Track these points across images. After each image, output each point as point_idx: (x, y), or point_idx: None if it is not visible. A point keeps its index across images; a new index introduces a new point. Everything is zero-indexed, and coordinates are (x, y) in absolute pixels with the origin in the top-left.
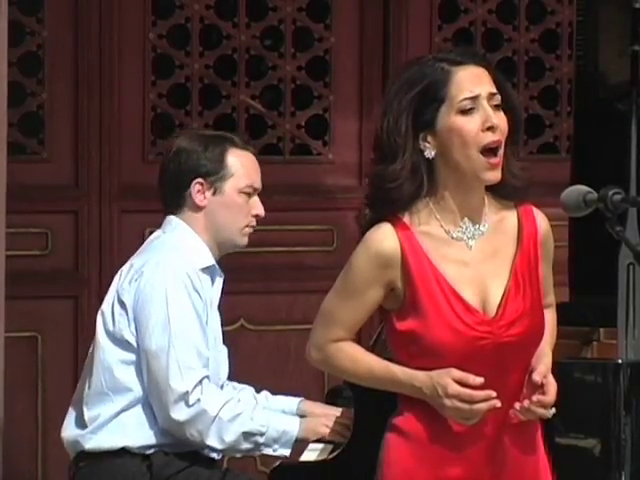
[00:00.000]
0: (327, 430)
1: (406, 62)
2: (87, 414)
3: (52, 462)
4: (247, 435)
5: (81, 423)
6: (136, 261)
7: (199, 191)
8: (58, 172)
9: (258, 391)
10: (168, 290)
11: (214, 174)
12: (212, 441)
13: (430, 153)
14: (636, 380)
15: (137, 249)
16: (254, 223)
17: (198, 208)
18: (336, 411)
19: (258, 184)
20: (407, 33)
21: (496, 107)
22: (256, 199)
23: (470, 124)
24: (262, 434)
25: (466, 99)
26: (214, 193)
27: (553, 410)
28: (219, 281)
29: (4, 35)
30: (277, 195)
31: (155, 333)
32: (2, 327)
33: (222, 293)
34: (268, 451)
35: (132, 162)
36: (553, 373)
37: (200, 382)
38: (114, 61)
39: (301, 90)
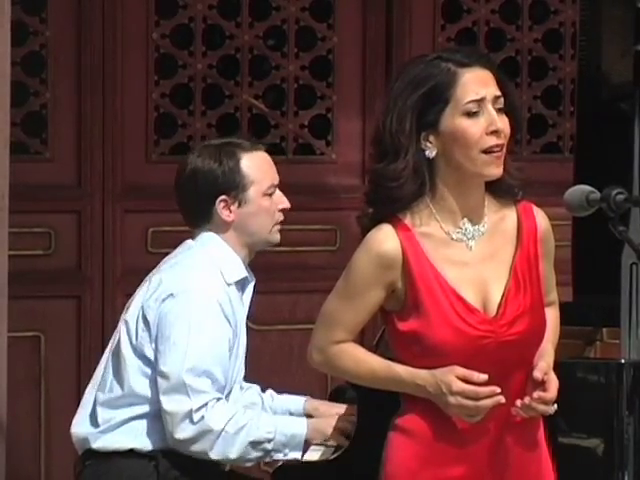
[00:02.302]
0: (332, 431)
1: (411, 59)
2: (102, 415)
3: (55, 461)
4: (255, 444)
5: (94, 422)
6: (165, 276)
7: (225, 207)
8: (61, 172)
9: (263, 390)
10: (192, 321)
11: (235, 188)
12: (219, 456)
13: (431, 153)
14: (639, 380)
15: (140, 249)
16: (282, 217)
17: (227, 223)
18: (340, 408)
19: (277, 180)
20: (410, 33)
21: (499, 110)
22: (279, 194)
23: (474, 127)
24: (270, 440)
25: (471, 102)
26: (240, 205)
27: (555, 407)
28: (249, 289)
29: (7, 35)
30: None
31: (171, 356)
32: (5, 327)
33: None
34: (279, 456)
35: (135, 162)
36: (556, 373)
37: (206, 403)
38: (117, 61)
39: (304, 90)
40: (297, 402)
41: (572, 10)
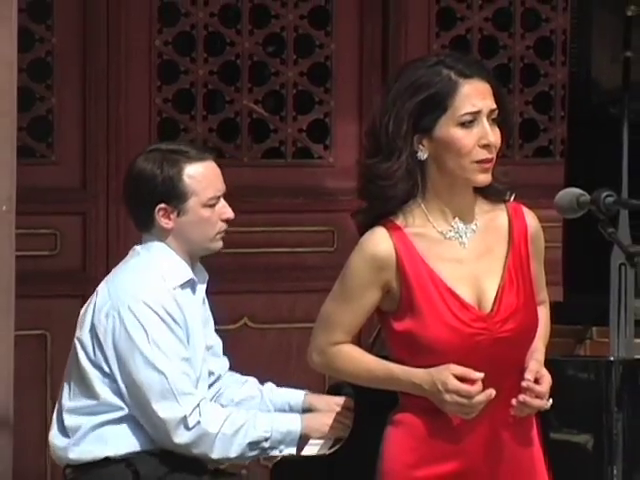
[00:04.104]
0: (328, 427)
1: (412, 60)
2: (68, 423)
3: None
4: (253, 444)
5: (63, 432)
6: (112, 290)
7: (164, 215)
8: (67, 175)
9: (262, 382)
10: (148, 330)
11: (175, 198)
12: (219, 456)
13: (423, 155)
14: (628, 377)
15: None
16: (225, 227)
17: (167, 230)
18: (339, 401)
19: (221, 190)
20: (406, 40)
21: (493, 121)
22: (222, 204)
23: (467, 139)
24: (267, 439)
25: (468, 113)
26: (179, 214)
27: (550, 401)
28: (201, 288)
29: (14, 41)
30: (279, 197)
31: (144, 369)
32: (12, 325)
33: (212, 303)
34: (275, 452)
35: None
36: (548, 370)
37: (197, 405)
38: (121, 67)
39: (302, 95)
40: (297, 396)
41: (563, 18)
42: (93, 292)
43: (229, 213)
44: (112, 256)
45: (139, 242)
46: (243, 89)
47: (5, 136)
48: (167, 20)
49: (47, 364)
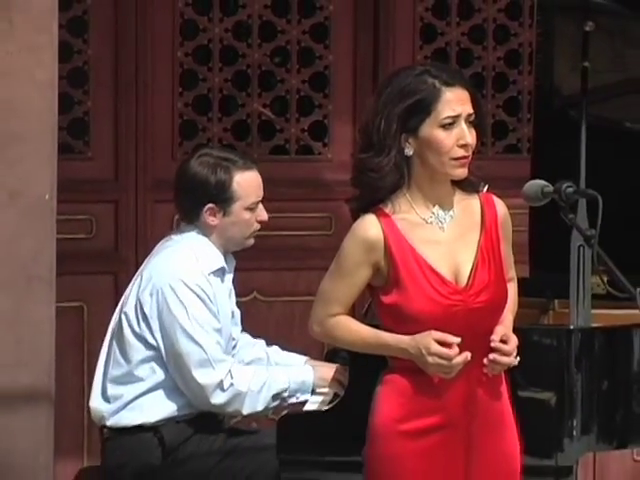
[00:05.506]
0: (331, 378)
1: (402, 68)
2: (111, 391)
3: None
4: (275, 396)
5: (106, 398)
6: (154, 272)
7: (210, 214)
8: (101, 168)
9: (268, 345)
10: (188, 307)
11: (223, 200)
12: (249, 411)
13: (409, 152)
14: (585, 343)
15: (167, 233)
16: (259, 227)
17: (211, 226)
18: (334, 367)
19: (260, 196)
20: (394, 52)
21: (470, 123)
22: (260, 207)
23: (448, 139)
24: (286, 390)
25: (449, 117)
26: (224, 215)
27: (517, 359)
28: (229, 277)
29: (55, 53)
30: (284, 188)
31: (185, 341)
32: (54, 298)
33: (235, 279)
34: (292, 400)
35: (163, 160)
36: (516, 337)
37: (229, 369)
38: (148, 75)
39: (304, 100)
40: (298, 360)
41: (529, 33)
42: (123, 270)
43: (264, 216)
44: (140, 239)
45: (166, 227)
46: (253, 94)
47: (47, 135)
48: (187, 35)
49: (84, 332)
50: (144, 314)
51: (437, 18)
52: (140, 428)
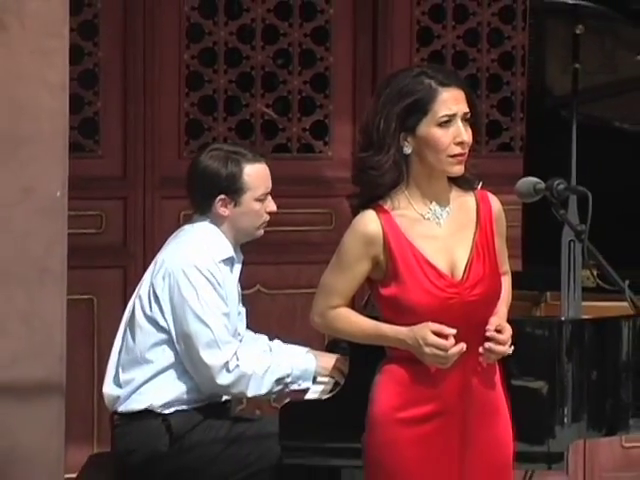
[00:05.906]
0: (332, 367)
1: (400, 70)
2: (122, 376)
3: (104, 405)
4: (279, 380)
5: (117, 383)
6: (167, 257)
7: (222, 205)
8: (110, 166)
9: (271, 339)
10: (198, 291)
11: (234, 191)
12: (252, 394)
13: (407, 150)
14: (576, 334)
15: (174, 229)
16: (268, 218)
17: (222, 217)
18: (335, 356)
19: (269, 188)
20: (392, 54)
21: (466, 121)
22: (269, 199)
23: (444, 137)
24: (289, 375)
25: (445, 115)
26: (235, 205)
27: (512, 348)
28: (237, 267)
29: (66, 55)
30: (286, 185)
31: (194, 323)
32: (65, 291)
33: (242, 271)
34: (294, 387)
35: (170, 158)
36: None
37: (235, 352)
38: (155, 76)
39: (306, 100)
40: (300, 351)
41: (522, 36)
42: (132, 264)
43: (273, 207)
44: (148, 234)
45: (172, 223)
46: (257, 95)
47: (59, 135)
48: (193, 38)
49: (94, 324)
50: (156, 296)
51: (433, 22)
52: (149, 414)
